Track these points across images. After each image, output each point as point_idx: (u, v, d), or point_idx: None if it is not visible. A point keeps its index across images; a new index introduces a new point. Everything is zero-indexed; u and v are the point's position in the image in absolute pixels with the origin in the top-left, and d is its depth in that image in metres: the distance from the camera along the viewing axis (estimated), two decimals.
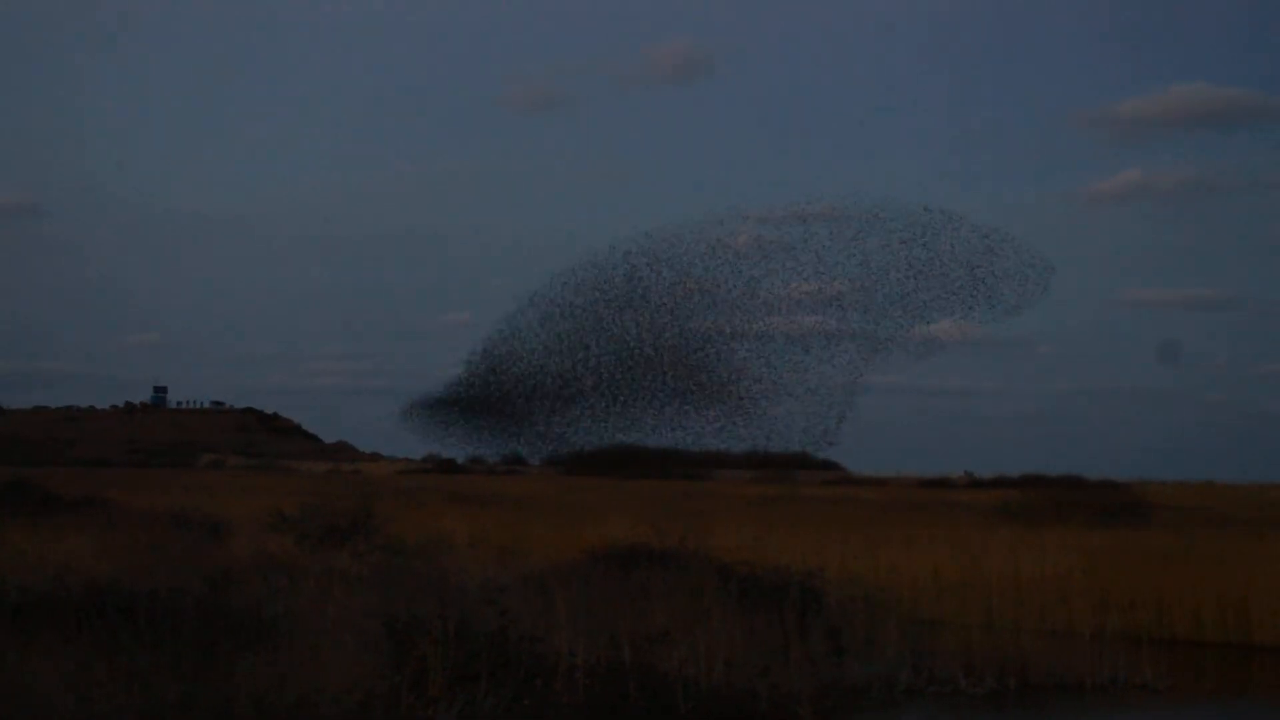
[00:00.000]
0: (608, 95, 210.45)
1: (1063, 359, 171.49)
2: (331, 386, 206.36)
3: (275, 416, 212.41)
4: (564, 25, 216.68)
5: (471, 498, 63.97)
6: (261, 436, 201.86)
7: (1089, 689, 24.68)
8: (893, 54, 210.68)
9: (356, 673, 17.98)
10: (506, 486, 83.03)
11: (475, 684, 18.39)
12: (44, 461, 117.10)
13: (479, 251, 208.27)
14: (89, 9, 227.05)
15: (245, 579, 25.71)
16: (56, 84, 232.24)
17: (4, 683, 17.20)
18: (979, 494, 74.79)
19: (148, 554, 28.04)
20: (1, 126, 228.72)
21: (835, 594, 26.93)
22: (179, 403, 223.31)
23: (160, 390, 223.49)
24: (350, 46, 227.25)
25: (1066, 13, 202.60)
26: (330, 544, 34.54)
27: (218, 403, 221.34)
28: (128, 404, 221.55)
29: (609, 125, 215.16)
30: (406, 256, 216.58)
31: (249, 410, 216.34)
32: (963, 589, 32.48)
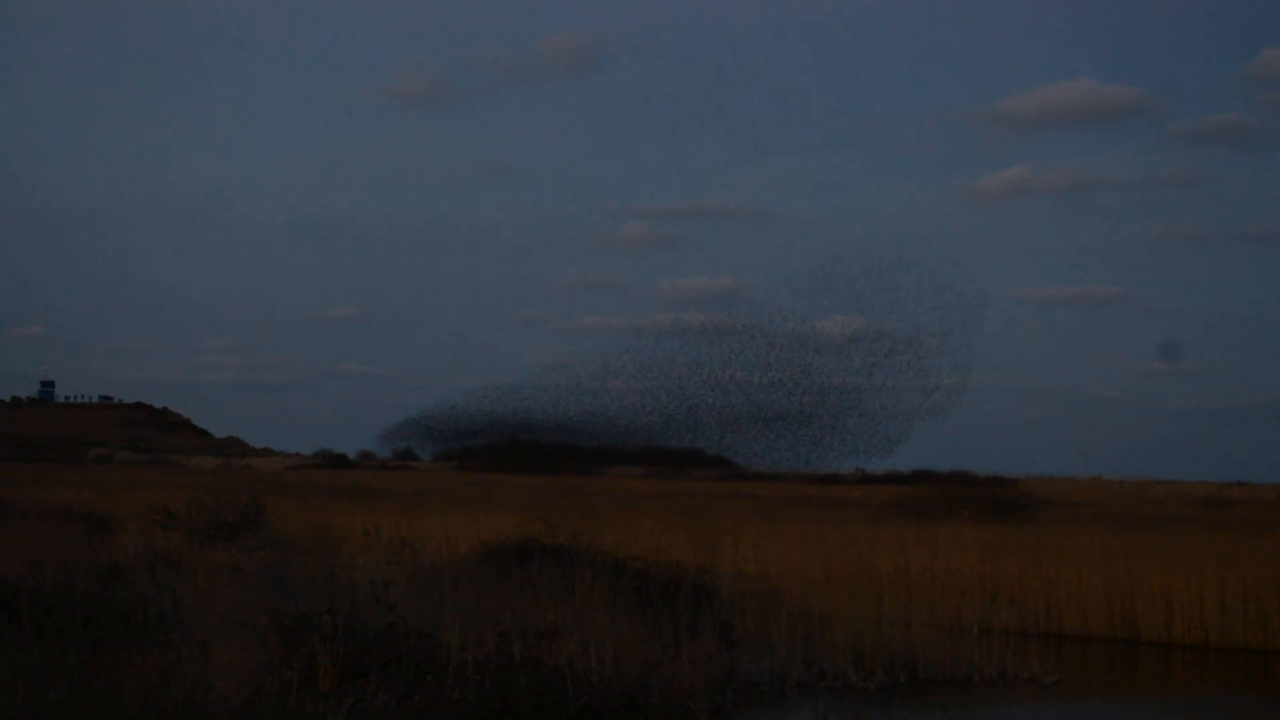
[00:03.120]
0: (497, 87, 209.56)
1: (951, 355, 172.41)
2: (221, 381, 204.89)
3: (165, 411, 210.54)
4: (454, 16, 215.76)
5: (363, 493, 63.70)
6: (151, 431, 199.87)
7: (978, 683, 24.89)
8: (781, 50, 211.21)
9: (246, 669, 17.86)
10: (398, 481, 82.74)
11: (366, 680, 18.32)
12: None
13: (367, 244, 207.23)
14: None
15: (133, 575, 25.50)
16: None
17: None
18: (870, 490, 75.27)
19: (33, 550, 27.71)
20: None
21: (727, 589, 27.02)
22: (66, 397, 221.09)
23: (47, 384, 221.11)
24: (242, 37, 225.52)
25: (952, 10, 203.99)
26: (219, 540, 34.35)
27: (106, 397, 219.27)
28: (14, 398, 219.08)
29: (498, 117, 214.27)
30: (293, 249, 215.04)
31: (138, 405, 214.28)
32: (853, 584, 32.66)
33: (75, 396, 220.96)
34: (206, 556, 30.41)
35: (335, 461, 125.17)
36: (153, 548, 32.00)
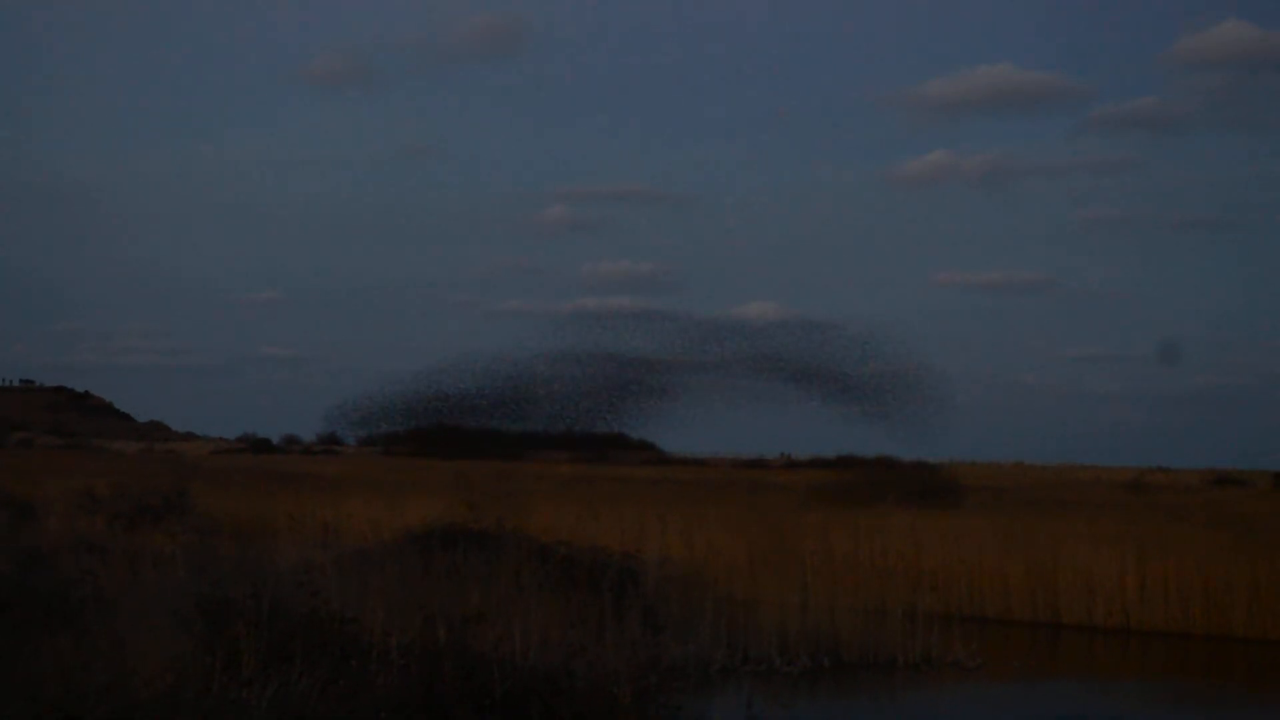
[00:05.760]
0: (418, 69, 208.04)
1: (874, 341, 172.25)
2: (143, 365, 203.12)
3: (87, 395, 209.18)
4: None
5: (287, 477, 63.40)
6: (73, 415, 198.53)
7: (901, 667, 25.04)
8: (704, 33, 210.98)
9: (169, 654, 17.77)
10: (323, 466, 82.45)
11: (289, 665, 18.24)
12: None
13: (288, 227, 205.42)
14: None
15: (55, 560, 25.32)
16: None
17: None
18: (795, 475, 75.36)
19: None
20: None
21: (653, 574, 27.06)
22: None
23: None
24: (156, 16, 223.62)
25: None
26: (143, 524, 34.16)
27: (27, 381, 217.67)
28: None
29: (416, 99, 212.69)
30: (214, 233, 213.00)
31: (60, 389, 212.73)
32: (778, 568, 32.75)
33: None
34: (130, 541, 30.21)
35: (259, 446, 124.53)
36: (76, 533, 31.79)
